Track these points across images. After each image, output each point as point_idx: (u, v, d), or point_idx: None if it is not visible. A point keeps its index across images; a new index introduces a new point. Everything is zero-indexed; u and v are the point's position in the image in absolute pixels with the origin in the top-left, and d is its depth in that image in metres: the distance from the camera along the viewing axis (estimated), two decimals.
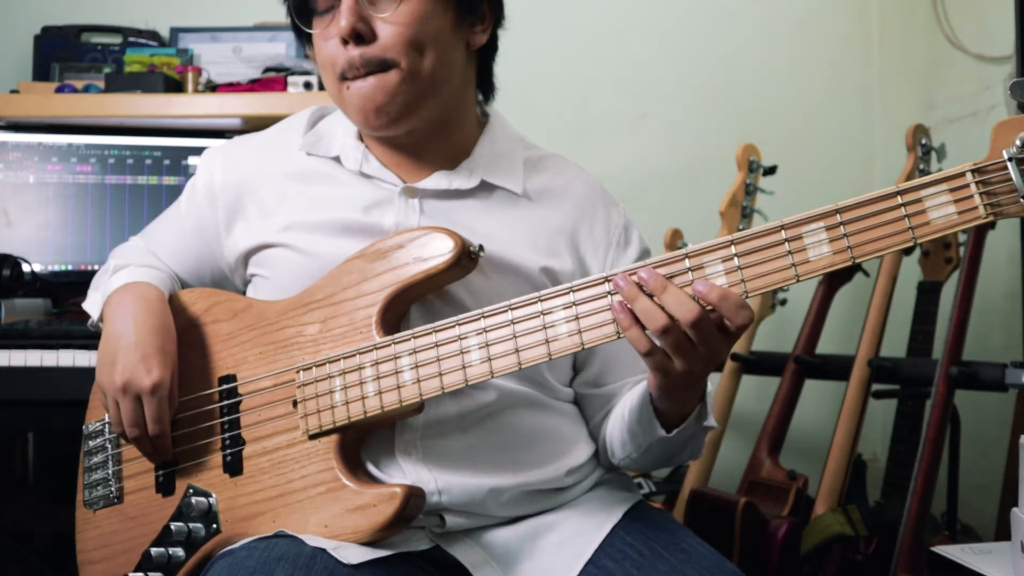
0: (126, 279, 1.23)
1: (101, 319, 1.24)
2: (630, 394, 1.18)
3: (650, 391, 1.09)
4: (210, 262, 1.29)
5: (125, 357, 1.14)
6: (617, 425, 1.19)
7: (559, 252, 1.21)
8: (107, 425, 1.24)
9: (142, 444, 1.17)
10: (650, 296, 0.97)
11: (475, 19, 1.20)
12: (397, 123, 1.16)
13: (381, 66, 1.12)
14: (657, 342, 0.98)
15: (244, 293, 1.27)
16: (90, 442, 1.26)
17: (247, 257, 1.24)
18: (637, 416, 1.13)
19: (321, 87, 2.10)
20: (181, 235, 1.30)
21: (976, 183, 0.90)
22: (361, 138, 1.23)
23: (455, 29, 1.17)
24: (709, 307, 0.96)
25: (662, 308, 0.96)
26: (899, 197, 0.93)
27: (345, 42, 1.12)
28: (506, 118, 1.30)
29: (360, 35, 1.11)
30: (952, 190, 0.91)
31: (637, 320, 0.97)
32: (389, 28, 1.12)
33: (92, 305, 1.29)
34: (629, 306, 0.97)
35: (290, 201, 1.21)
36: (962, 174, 0.91)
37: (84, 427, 1.27)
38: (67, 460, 1.38)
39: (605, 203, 1.27)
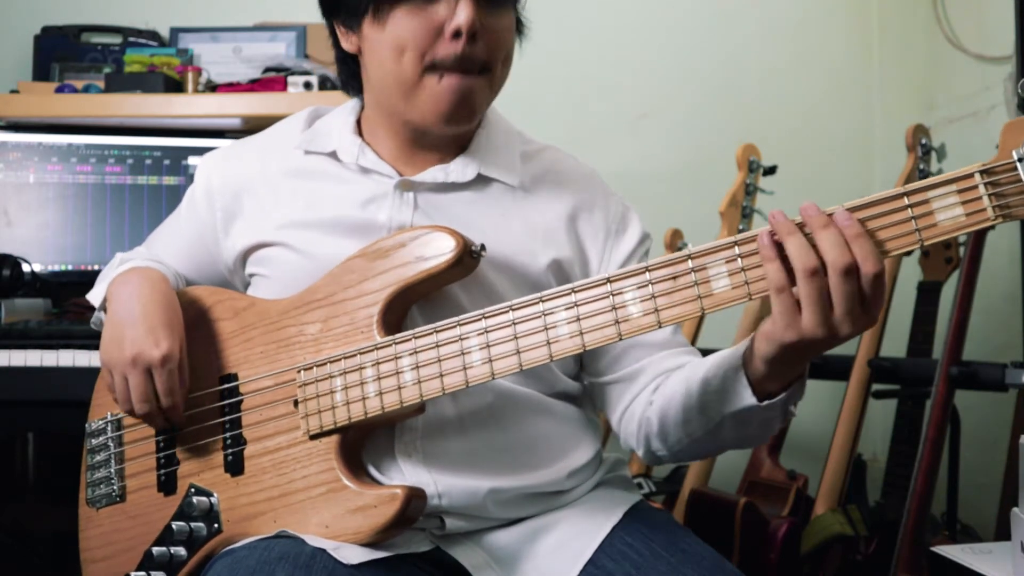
0: (130, 266, 1.24)
1: (103, 308, 1.25)
2: (692, 368, 1.12)
3: (753, 350, 1.00)
4: (210, 266, 1.29)
5: (132, 331, 1.14)
6: (674, 403, 1.12)
7: (557, 240, 1.21)
8: (110, 423, 1.24)
9: (152, 419, 1.16)
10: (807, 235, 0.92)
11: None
12: (468, 124, 1.18)
13: (482, 68, 1.14)
14: (796, 287, 0.93)
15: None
16: (93, 440, 1.26)
17: (245, 256, 1.24)
18: (718, 385, 1.05)
19: (321, 87, 2.09)
20: (182, 241, 1.30)
21: (985, 184, 0.88)
22: (359, 133, 1.24)
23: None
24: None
25: (815, 249, 0.91)
26: (906, 198, 0.90)
27: (456, 35, 1.11)
28: (502, 113, 1.30)
29: (475, 34, 1.11)
30: (960, 191, 0.89)
31: (781, 254, 0.92)
32: (494, 34, 1.13)
33: (95, 294, 1.29)
34: (781, 240, 0.92)
35: (287, 199, 1.21)
36: (970, 175, 0.88)
37: (87, 425, 1.27)
38: (67, 460, 1.38)
39: (603, 192, 1.27)
